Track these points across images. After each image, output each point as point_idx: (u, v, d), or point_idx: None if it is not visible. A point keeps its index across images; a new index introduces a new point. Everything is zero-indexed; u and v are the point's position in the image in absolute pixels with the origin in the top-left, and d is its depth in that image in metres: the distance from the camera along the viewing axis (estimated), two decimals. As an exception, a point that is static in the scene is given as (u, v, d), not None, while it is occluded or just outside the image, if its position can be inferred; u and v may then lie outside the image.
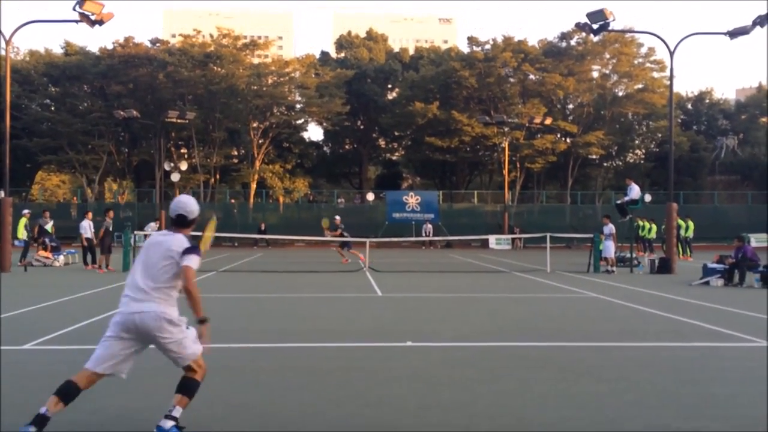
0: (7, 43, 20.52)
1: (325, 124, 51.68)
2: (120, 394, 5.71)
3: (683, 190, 46.52)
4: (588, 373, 6.61)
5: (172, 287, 4.48)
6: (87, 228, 20.19)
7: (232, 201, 47.95)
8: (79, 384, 4.46)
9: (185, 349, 4.52)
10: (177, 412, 4.54)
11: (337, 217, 25.27)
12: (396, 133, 54.63)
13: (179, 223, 4.65)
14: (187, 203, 4.70)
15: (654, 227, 28.25)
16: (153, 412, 5.22)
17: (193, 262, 4.41)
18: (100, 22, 19.58)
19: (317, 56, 54.80)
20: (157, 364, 6.90)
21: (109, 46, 45.79)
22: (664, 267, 19.85)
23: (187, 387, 4.61)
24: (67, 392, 4.40)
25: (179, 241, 4.51)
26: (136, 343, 4.52)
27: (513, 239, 37.34)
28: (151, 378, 6.31)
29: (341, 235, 24.00)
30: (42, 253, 21.90)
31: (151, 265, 4.49)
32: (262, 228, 39.33)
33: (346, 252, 23.95)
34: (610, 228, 20.08)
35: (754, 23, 19.71)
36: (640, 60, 48.06)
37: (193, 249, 4.47)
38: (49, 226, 22.60)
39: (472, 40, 48.97)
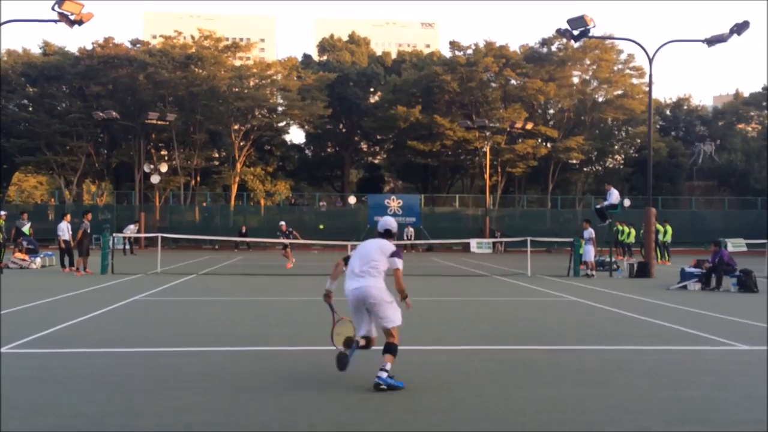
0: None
1: (307, 126, 51.57)
2: (94, 400, 5.63)
3: (661, 195, 47.06)
4: (568, 377, 6.64)
5: (381, 272, 6.25)
6: (65, 230, 19.94)
7: (203, 204, 47.55)
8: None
9: (389, 315, 6.19)
10: (388, 366, 6.06)
11: (283, 223, 25.38)
12: (378, 137, 54.68)
13: (386, 235, 6.54)
14: (392, 223, 6.68)
15: (633, 231, 28.52)
16: (127, 417, 5.16)
17: (399, 264, 6.28)
18: (80, 22, 19.39)
19: (299, 59, 54.70)
20: (128, 372, 6.84)
21: (89, 47, 45.32)
22: (643, 271, 20.04)
23: (391, 348, 6.17)
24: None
25: (390, 245, 6.37)
26: (363, 308, 6.25)
27: (494, 243, 37.49)
28: (123, 384, 6.25)
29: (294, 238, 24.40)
30: (18, 255, 21.59)
31: (366, 256, 6.30)
32: (243, 231, 39.11)
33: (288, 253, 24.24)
34: (589, 232, 20.23)
35: (731, 31, 20.04)
36: (620, 66, 48.60)
37: (397, 253, 6.33)
38: (26, 227, 22.31)
39: (454, 45, 49.19)
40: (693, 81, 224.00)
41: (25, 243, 22.32)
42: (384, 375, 6.00)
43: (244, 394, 5.84)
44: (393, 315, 6.20)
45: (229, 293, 14.48)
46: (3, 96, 44.12)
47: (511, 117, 44.43)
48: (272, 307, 12.38)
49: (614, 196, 20.69)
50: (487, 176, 42.69)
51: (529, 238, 22.14)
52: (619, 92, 48.65)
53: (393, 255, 6.25)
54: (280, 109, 48.98)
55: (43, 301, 12.36)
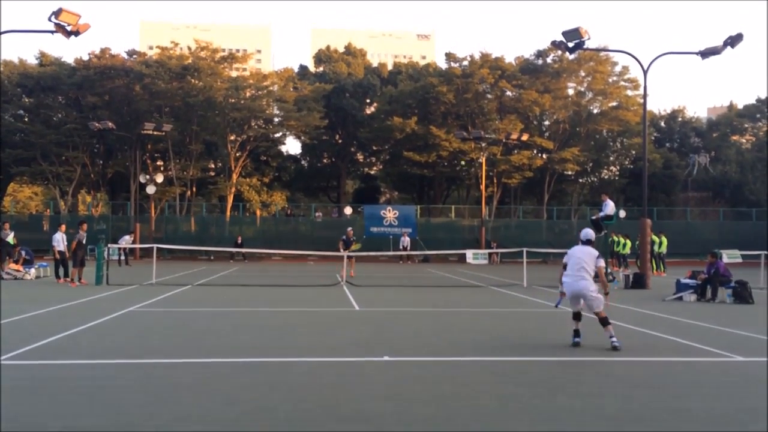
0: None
1: (303, 137, 51.58)
2: (88, 412, 5.60)
3: (657, 206, 47.18)
4: (564, 389, 6.63)
5: (590, 272, 9.04)
6: (60, 240, 19.88)
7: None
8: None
9: (598, 303, 9.05)
10: (609, 333, 8.99)
11: (350, 229, 26.11)
12: (374, 148, 54.73)
13: (587, 243, 9.31)
14: (592, 233, 9.48)
15: (628, 242, 28.56)
16: (120, 429, 5.14)
17: (601, 263, 9.23)
18: (76, 33, 19.42)
19: (296, 70, 54.82)
20: (122, 383, 6.80)
21: (85, 57, 45.36)
22: (639, 282, 20.06)
23: (604, 321, 9.07)
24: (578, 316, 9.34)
25: (594, 251, 9.20)
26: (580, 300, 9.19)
27: (490, 254, 37.50)
28: (117, 396, 6.21)
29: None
30: (13, 266, 21.48)
31: (580, 261, 9.06)
32: (239, 241, 39.05)
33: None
34: (585, 243, 20.21)
35: (725, 43, 20.20)
36: (615, 78, 48.84)
37: (600, 255, 9.25)
38: (10, 237, 22.05)
39: (449, 57, 49.39)
40: (687, 93, 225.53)
41: (23, 253, 22.24)
42: (614, 339, 8.86)
43: (238, 406, 5.81)
44: (599, 302, 9.02)
45: (224, 304, 14.44)
46: (-1, 106, 44.12)
47: (507, 128, 44.54)
48: (267, 317, 12.34)
49: (610, 207, 20.73)
50: (482, 187, 42.74)
51: (525, 249, 22.14)
52: (614, 104, 48.86)
53: (598, 257, 9.14)
54: (276, 119, 49.02)
55: (37, 312, 12.30)
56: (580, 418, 5.58)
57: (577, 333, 9.17)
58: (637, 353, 8.73)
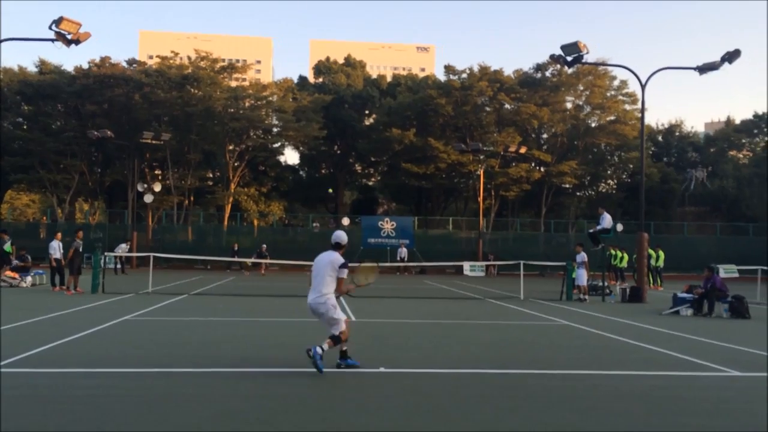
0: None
1: (301, 148, 51.66)
2: (82, 420, 5.55)
3: (654, 220, 47.25)
4: (560, 402, 6.60)
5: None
6: (56, 248, 19.84)
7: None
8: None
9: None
10: (326, 345, 7.62)
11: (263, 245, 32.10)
12: (372, 159, 54.80)
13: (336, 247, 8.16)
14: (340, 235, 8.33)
15: (626, 256, 28.58)
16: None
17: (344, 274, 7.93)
18: (77, 42, 19.47)
19: (295, 81, 54.98)
20: (117, 393, 6.75)
21: (85, 66, 45.46)
22: (635, 296, 20.06)
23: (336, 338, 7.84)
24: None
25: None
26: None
27: (487, 266, 37.46)
28: (111, 405, 6.16)
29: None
30: (9, 273, 21.41)
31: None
32: (235, 248, 38.96)
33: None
34: (582, 256, 20.26)
35: (723, 59, 20.32)
36: (613, 92, 49.07)
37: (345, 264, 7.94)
38: (7, 245, 21.99)
39: (449, 69, 49.58)
40: (685, 107, 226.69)
41: (19, 261, 22.17)
42: (319, 350, 7.51)
43: (233, 416, 5.77)
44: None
45: (219, 314, 14.38)
46: (-1, 114, 44.15)
47: (505, 141, 44.65)
48: (262, 328, 12.29)
49: (607, 220, 20.77)
50: (480, 199, 42.78)
51: (522, 262, 22.12)
52: (612, 118, 49.02)
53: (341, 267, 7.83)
54: (275, 130, 49.11)
55: (32, 320, 12.23)
56: (577, 432, 5.55)
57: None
58: (634, 367, 8.70)
